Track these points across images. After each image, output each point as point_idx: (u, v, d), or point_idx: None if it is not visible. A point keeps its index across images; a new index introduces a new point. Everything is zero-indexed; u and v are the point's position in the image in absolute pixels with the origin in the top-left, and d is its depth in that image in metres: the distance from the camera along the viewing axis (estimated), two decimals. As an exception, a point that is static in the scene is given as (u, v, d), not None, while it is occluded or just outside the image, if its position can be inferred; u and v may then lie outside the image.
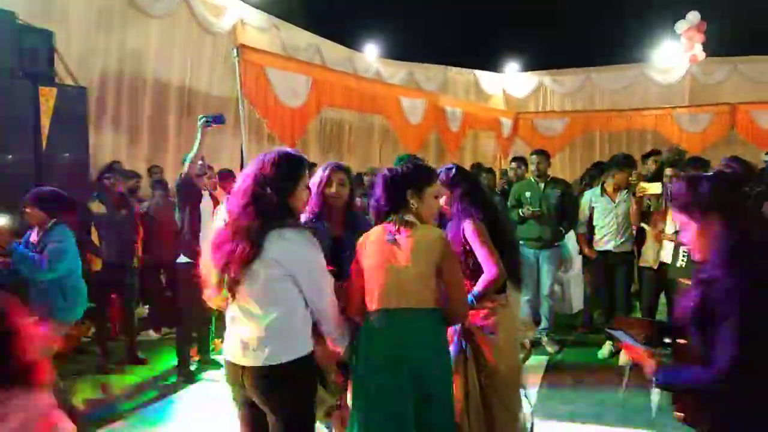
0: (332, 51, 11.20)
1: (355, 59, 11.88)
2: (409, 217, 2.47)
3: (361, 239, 2.57)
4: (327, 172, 3.02)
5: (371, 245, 2.49)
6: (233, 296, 2.27)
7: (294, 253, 2.22)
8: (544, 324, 5.79)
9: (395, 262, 2.40)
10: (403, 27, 12.21)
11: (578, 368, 5.21)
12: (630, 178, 5.66)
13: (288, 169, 2.30)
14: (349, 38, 11.91)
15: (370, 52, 12.46)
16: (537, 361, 5.25)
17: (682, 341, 1.86)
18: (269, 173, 2.25)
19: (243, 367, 2.26)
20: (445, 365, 2.48)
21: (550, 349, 5.59)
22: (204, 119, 4.40)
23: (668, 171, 5.38)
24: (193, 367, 5.07)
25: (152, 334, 6.14)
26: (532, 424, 3.17)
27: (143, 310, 6.37)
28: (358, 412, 2.44)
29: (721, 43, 12.56)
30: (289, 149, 2.42)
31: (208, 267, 2.30)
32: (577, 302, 6.97)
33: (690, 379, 1.77)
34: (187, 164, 4.52)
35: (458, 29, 12.54)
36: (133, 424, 4.06)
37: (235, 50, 5.76)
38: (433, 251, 2.39)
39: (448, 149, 10.85)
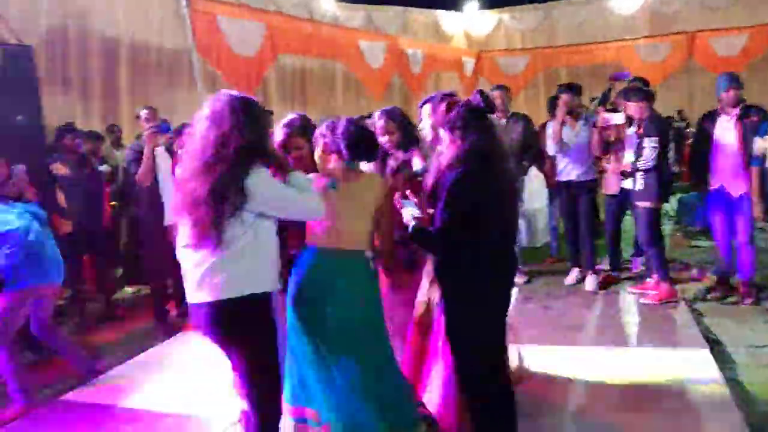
0: (287, -4, 10.91)
1: (311, 3, 11.56)
2: (357, 168, 2.64)
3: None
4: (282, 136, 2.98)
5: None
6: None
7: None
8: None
9: (341, 207, 2.53)
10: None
11: (545, 296, 5.40)
12: (585, 107, 5.71)
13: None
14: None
15: (327, -4, 12.15)
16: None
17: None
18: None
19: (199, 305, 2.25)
20: (380, 307, 2.64)
21: (518, 280, 5.74)
22: (151, 129, 4.66)
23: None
24: (171, 320, 5.13)
25: (128, 290, 6.16)
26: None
27: (118, 269, 6.36)
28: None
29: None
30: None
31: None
32: (542, 234, 7.14)
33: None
34: (139, 173, 4.76)
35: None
36: (115, 378, 4.11)
37: (183, 0, 5.60)
38: (376, 198, 2.60)
39: (412, 92, 10.80)
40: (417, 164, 3.12)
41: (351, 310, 2.54)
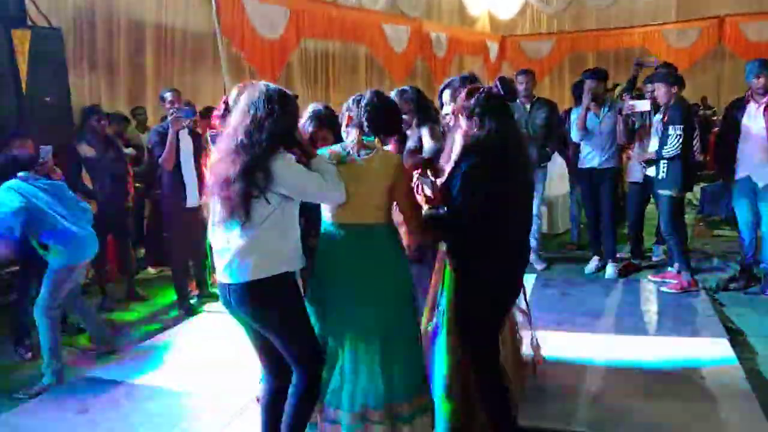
0: (311, -21, 10.86)
1: (335, -14, 11.54)
2: (372, 142, 2.57)
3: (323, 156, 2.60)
4: (311, 129, 2.99)
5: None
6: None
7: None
8: (532, 243, 5.90)
9: (351, 181, 2.48)
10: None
11: (564, 282, 5.39)
12: (612, 94, 5.64)
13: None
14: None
15: (350, -21, 12.08)
16: (525, 278, 5.40)
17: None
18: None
19: (229, 285, 2.37)
20: (401, 274, 2.60)
21: (538, 266, 5.73)
22: (175, 113, 4.73)
23: (649, 87, 5.39)
24: (193, 301, 5.23)
25: (150, 271, 6.27)
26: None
27: (140, 251, 6.47)
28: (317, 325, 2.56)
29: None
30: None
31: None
32: (563, 221, 7.11)
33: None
34: (162, 157, 4.84)
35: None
36: (136, 356, 4.21)
37: (209, -18, 5.63)
38: (388, 175, 2.52)
39: (435, 76, 10.72)
40: (427, 142, 3.11)
41: (371, 282, 2.52)
